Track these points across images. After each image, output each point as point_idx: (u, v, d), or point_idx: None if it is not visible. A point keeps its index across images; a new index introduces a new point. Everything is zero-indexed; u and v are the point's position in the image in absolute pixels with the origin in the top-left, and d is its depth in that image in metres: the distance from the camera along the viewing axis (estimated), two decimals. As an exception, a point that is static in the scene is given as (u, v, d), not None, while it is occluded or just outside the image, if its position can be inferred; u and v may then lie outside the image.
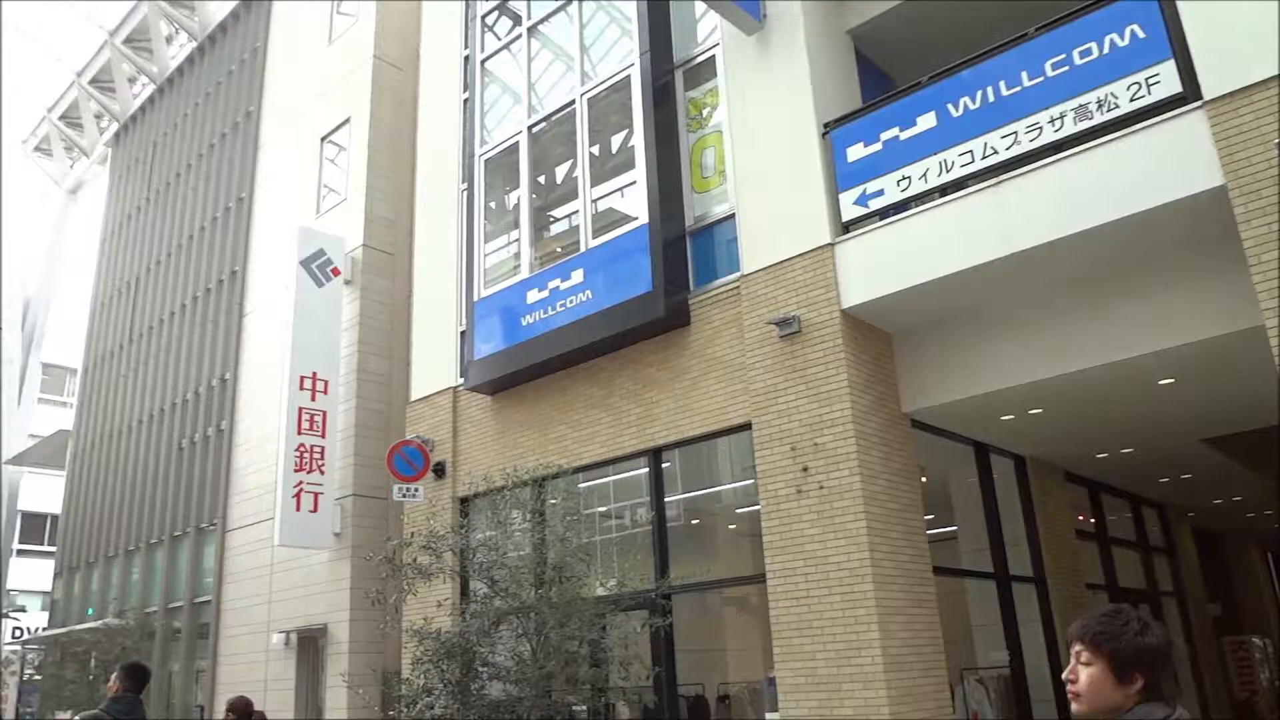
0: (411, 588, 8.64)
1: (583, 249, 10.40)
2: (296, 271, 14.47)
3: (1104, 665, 2.26)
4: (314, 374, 14.05)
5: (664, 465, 9.84)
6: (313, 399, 13.96)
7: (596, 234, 10.38)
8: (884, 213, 8.21)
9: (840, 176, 8.54)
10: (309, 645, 14.19)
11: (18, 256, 29.45)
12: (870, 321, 8.55)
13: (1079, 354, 7.85)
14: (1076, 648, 2.33)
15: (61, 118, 28.82)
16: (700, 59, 10.31)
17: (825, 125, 8.73)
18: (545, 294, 10.58)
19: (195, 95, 22.54)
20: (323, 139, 17.01)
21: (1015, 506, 10.67)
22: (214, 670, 16.11)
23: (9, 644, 25.06)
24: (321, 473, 13.78)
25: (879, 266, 8.10)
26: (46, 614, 23.93)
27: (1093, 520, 13.18)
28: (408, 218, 14.31)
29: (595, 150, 10.95)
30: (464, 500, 11.37)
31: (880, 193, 8.23)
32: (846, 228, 8.44)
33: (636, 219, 9.94)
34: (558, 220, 11.75)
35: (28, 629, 24.79)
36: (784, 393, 8.44)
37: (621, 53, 10.77)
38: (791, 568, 8.04)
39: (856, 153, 8.44)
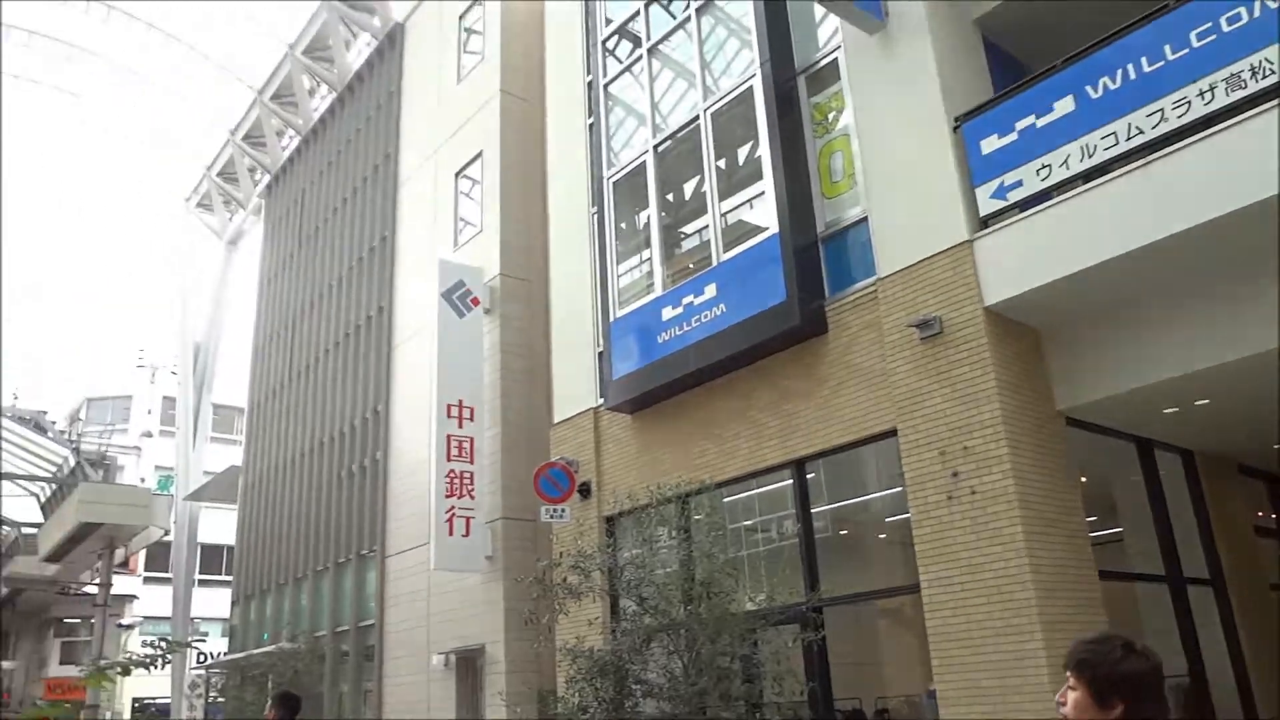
0: (563, 607, 8.77)
1: (714, 263, 10.41)
2: (438, 303, 14.99)
3: (1085, 690, 2.39)
4: (460, 401, 14.50)
5: (808, 476, 9.70)
6: (460, 426, 14.40)
7: (727, 247, 10.37)
8: (1024, 204, 7.91)
9: (975, 170, 8.27)
10: (467, 666, 14.57)
11: (188, 306, 31.50)
12: (1016, 318, 8.23)
13: (1247, 339, 7.33)
14: (1067, 673, 2.46)
15: (219, 174, 30.77)
16: (822, 63, 10.19)
17: (956, 119, 8.49)
18: (679, 310, 10.62)
19: (338, 143, 23.71)
20: (457, 174, 17.61)
21: (1185, 504, 10.02)
22: (380, 691, 16.73)
23: (195, 669, 26.68)
24: (472, 497, 14.18)
25: (1022, 260, 7.80)
26: (226, 639, 25.38)
27: (1274, 516, 12.28)
28: (541, 244, 14.63)
29: (722, 164, 10.96)
30: (610, 519, 11.49)
31: (1019, 184, 7.93)
32: (985, 223, 8.16)
33: (767, 229, 9.88)
34: (688, 236, 11.80)
35: (211, 654, 26.30)
36: (929, 397, 8.21)
37: (742, 64, 10.76)
38: (947, 576, 7.79)
39: (991, 144, 8.17)
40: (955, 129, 8.47)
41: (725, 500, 10.33)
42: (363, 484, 18.65)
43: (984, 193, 8.18)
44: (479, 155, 16.94)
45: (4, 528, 34.28)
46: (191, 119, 30.20)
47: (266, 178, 28.40)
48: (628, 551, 8.84)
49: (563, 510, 11.80)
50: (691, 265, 11.19)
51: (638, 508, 9.30)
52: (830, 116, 10.08)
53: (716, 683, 7.91)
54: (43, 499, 32.48)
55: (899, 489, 8.56)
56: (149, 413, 43.29)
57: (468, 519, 14.09)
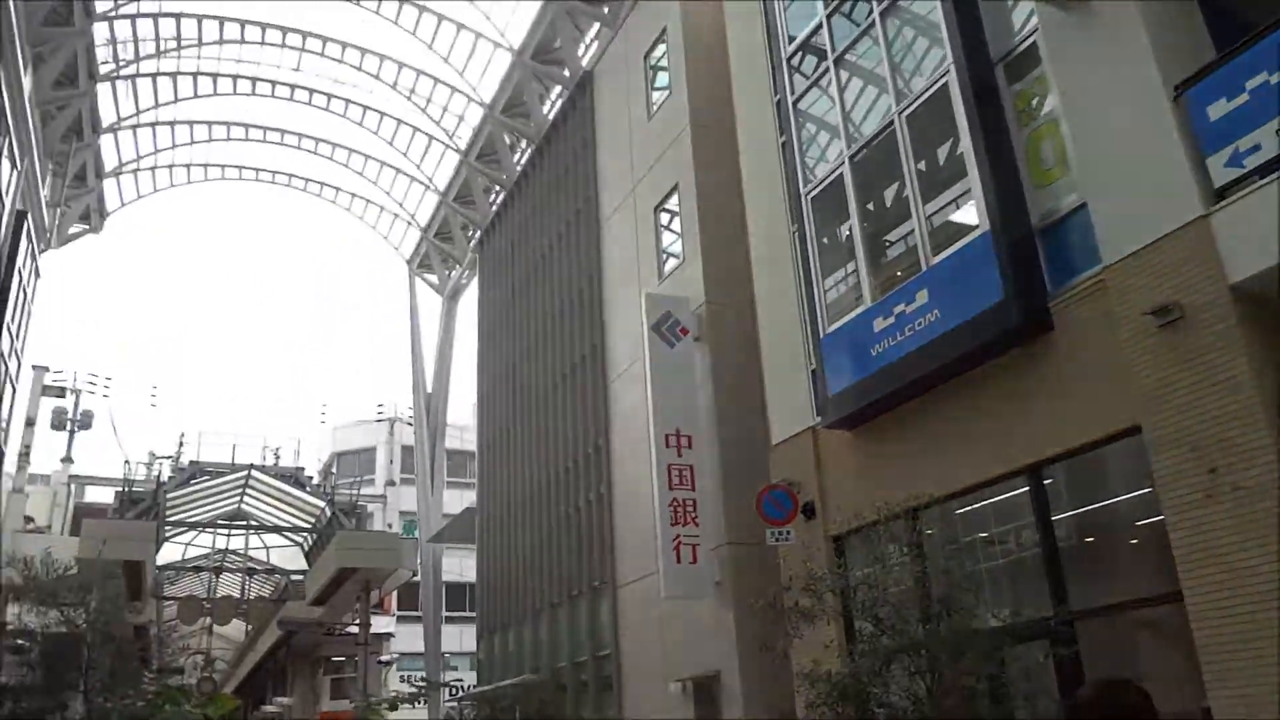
0: (796, 631, 8.67)
1: (924, 268, 10.09)
2: (648, 336, 15.30)
3: None
4: (677, 430, 14.70)
5: (1045, 482, 9.16)
6: (679, 454, 14.58)
7: (936, 250, 10.04)
8: (1264, 169, 7.22)
9: (1204, 139, 7.63)
10: (705, 692, 14.62)
11: (418, 361, 33.60)
12: (1269, 294, 7.49)
13: None
14: None
15: (436, 235, 32.79)
16: (1020, 49, 9.74)
17: (1176, 87, 7.87)
18: (892, 320, 10.35)
19: (540, 192, 24.77)
20: (656, 208, 17.99)
21: None
22: (620, 717, 17.05)
23: (448, 702, 28.15)
24: (696, 524, 14.30)
25: (1269, 230, 7.10)
26: (474, 673, 26.64)
27: None
28: (745, 268, 14.67)
29: (922, 166, 10.64)
30: (836, 539, 11.27)
31: (1256, 148, 7.25)
32: (1221, 194, 7.50)
33: (977, 227, 9.50)
34: (893, 244, 11.51)
35: (462, 687, 27.65)
36: (1174, 388, 7.58)
37: (933, 62, 10.44)
38: (1214, 582, 7.13)
39: (1219, 109, 7.52)
40: (1176, 98, 7.86)
41: (956, 513, 9.92)
42: (590, 517, 19.20)
43: (1216, 162, 7.53)
44: (675, 187, 17.24)
45: (276, 575, 37.54)
46: (409, 188, 32.39)
47: (478, 233, 30.00)
48: (859, 571, 8.63)
49: (788, 532, 11.69)
50: (900, 273, 10.90)
51: (865, 525, 9.08)
52: (1034, 103, 9.60)
53: (963, 704, 7.57)
54: (306, 548, 35.35)
55: (1147, 490, 7.95)
56: (390, 463, 46.36)
57: (694, 546, 14.21)
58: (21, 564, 10.81)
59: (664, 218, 18.02)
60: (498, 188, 28.73)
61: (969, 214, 9.79)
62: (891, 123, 10.82)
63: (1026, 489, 9.22)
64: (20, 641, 10.71)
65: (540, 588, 21.39)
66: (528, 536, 22.54)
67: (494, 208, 28.81)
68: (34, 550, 12.01)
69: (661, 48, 18.74)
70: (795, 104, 12.83)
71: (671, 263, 17.38)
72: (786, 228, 13.03)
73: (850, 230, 11.55)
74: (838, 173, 11.70)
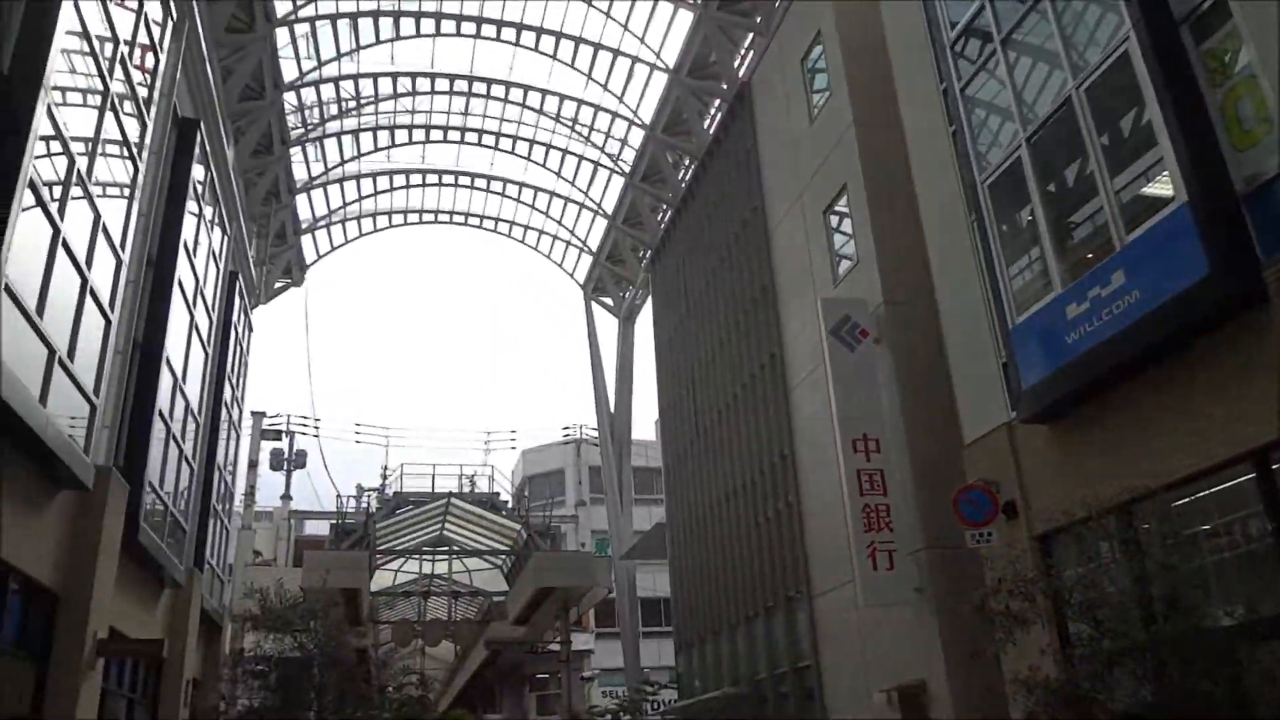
0: (1009, 636, 8.32)
1: (1117, 248, 9.54)
2: (827, 341, 15.10)
3: None
4: (863, 435, 14.42)
5: (1275, 467, 8.45)
6: (867, 459, 14.30)
7: (1129, 228, 9.46)
8: None
9: None
10: (911, 701, 14.20)
11: (600, 383, 34.34)
12: None
13: None
14: None
15: (608, 259, 33.51)
16: (1206, 5, 9.09)
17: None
18: (1086, 306, 9.82)
19: (707, 206, 24.92)
20: (825, 212, 17.77)
21: None
22: (826, 731, 16.79)
23: (650, 716, 28.46)
24: (890, 530, 13.96)
25: None
26: (675, 687, 26.83)
27: None
28: (922, 264, 14.28)
29: (1105, 140, 10.08)
30: (1042, 538, 10.75)
31: None
32: None
33: (1174, 199, 8.91)
34: (1079, 225, 10.93)
35: (662, 702, 27.90)
36: None
37: (1109, 30, 9.87)
38: None
39: None
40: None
41: (1173, 505, 9.28)
42: (780, 528, 19.06)
43: None
44: (843, 188, 16.99)
45: (479, 597, 39.07)
46: (579, 215, 33.28)
47: (648, 254, 30.45)
48: (1072, 571, 8.21)
49: (989, 534, 11.26)
50: (1090, 255, 10.33)
51: (1074, 523, 8.63)
52: (1226, 60, 8.93)
53: (1200, 712, 7.05)
54: (505, 570, 36.65)
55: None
56: (579, 483, 47.51)
57: (890, 552, 13.87)
58: (258, 595, 11.73)
59: (834, 220, 17.77)
60: (664, 207, 29.11)
61: (1163, 186, 9.19)
62: (1069, 99, 10.31)
63: (1252, 475, 8.53)
64: (260, 667, 11.59)
65: (735, 600, 21.37)
66: (718, 549, 22.59)
67: (662, 226, 29.19)
68: (266, 582, 13.00)
69: (817, 50, 18.55)
70: (963, 91, 12.42)
71: (845, 265, 17.11)
72: (964, 218, 12.61)
73: (1033, 214, 11.05)
74: (1015, 156, 11.23)
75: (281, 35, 23.28)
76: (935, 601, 13.32)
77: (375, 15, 25.12)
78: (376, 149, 30.60)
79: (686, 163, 27.53)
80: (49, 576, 10.37)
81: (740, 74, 23.48)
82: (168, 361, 14.23)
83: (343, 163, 30.33)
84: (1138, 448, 9.54)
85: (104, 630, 11.61)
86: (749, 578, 20.58)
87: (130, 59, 11.75)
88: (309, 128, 27.74)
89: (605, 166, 30.32)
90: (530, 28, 25.75)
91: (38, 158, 8.58)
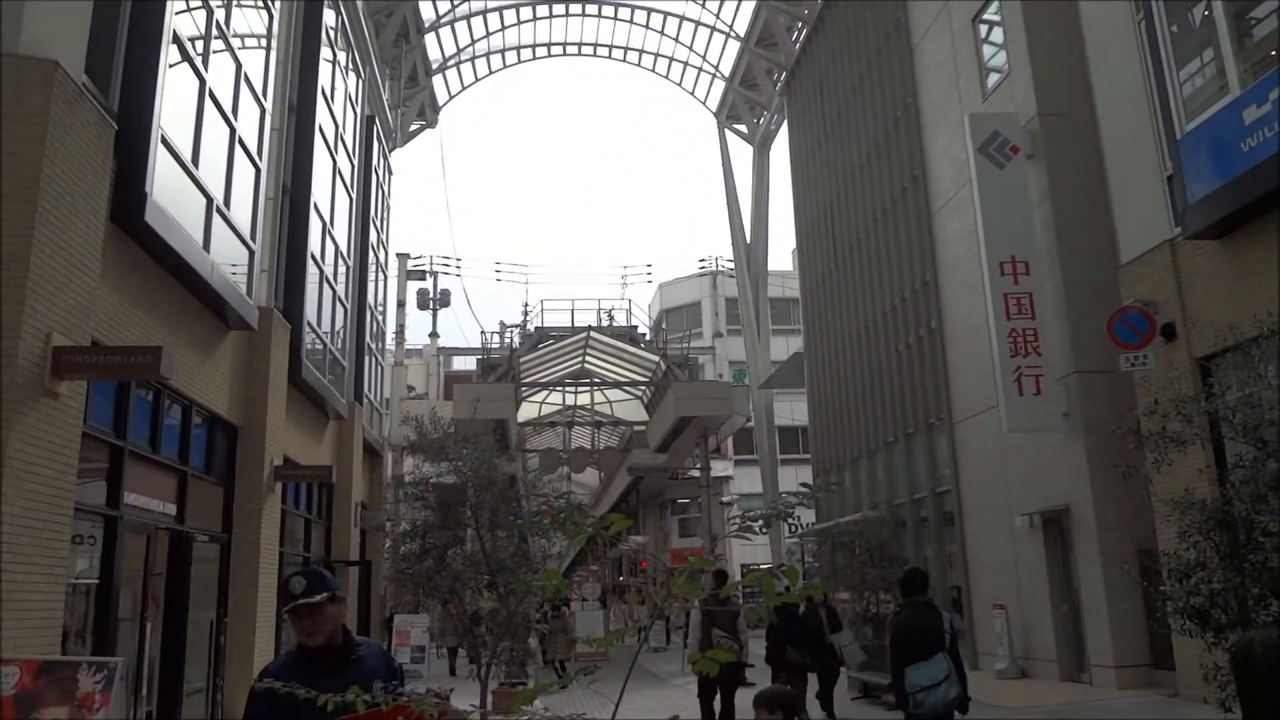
0: (1164, 458, 8.06)
1: (1308, 41, 8.59)
2: (975, 159, 14.37)
3: None
4: (1013, 257, 13.85)
5: None
6: (1015, 282, 13.78)
7: (1324, 17, 8.48)
8: None
9: None
10: (1053, 526, 14.14)
11: (732, 213, 33.89)
12: None
13: None
14: None
15: (741, 84, 32.38)
16: None
17: None
18: (1267, 108, 8.97)
19: (845, 21, 23.58)
20: (974, 20, 16.58)
21: None
22: (964, 554, 16.95)
23: (789, 538, 29.32)
24: (1039, 354, 13.57)
25: None
26: (813, 510, 27.44)
27: None
28: (1081, 73, 13.25)
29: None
30: (1204, 360, 10.25)
31: None
32: None
33: (1381, -19, 7.90)
34: (1262, 20, 9.86)
35: (802, 524, 28.63)
36: None
37: None
38: None
39: None
40: None
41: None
42: (921, 354, 18.80)
43: None
44: (993, -8, 15.75)
45: (621, 426, 40.40)
46: (710, 38, 32.07)
47: (784, 75, 29.26)
48: (1236, 391, 7.82)
49: (1145, 356, 10.79)
50: (1274, 52, 9.35)
51: (1241, 343, 8.15)
52: None
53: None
54: (645, 400, 37.59)
55: None
56: (716, 315, 47.72)
57: (1036, 377, 13.52)
58: (414, 423, 12.44)
59: (983, 30, 16.56)
60: (800, 24, 27.71)
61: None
62: None
63: None
64: (421, 489, 12.42)
65: (873, 427, 21.41)
66: (857, 377, 22.51)
67: (797, 46, 27.87)
68: (420, 413, 13.73)
69: None
70: None
71: (994, 78, 16.04)
72: (1130, 19, 11.54)
73: (1209, 9, 10.01)
74: (1193, -57, 10.11)
75: None
76: (1084, 426, 13.00)
77: None
78: (501, -20, 29.96)
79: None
80: (228, 410, 11.21)
81: None
82: (315, 206, 14.72)
83: (468, -1, 29.89)
84: (1319, 262, 8.85)
85: (279, 458, 12.57)
86: (889, 404, 20.52)
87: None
88: (433, -37, 27.29)
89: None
90: None
91: (178, 13, 8.73)
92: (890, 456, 20.60)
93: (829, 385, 24.85)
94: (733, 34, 30.80)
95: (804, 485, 2.39)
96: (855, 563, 19.10)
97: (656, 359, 35.11)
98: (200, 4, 9.64)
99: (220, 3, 10.25)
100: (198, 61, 9.40)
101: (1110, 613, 12.54)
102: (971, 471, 16.72)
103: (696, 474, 32.97)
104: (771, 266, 34.44)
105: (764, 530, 2.32)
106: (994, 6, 15.87)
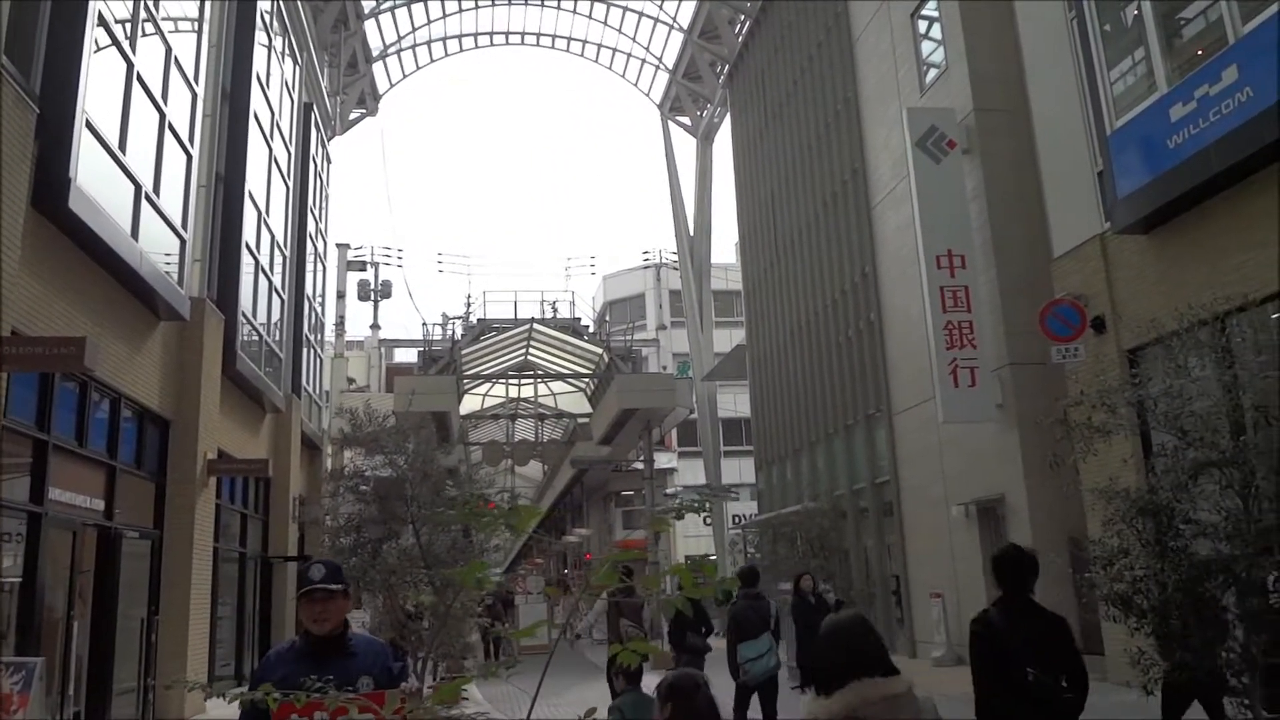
0: (1089, 448, 8.25)
1: (1231, 40, 8.83)
2: (912, 153, 14.55)
3: None
4: (949, 251, 14.07)
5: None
6: (951, 275, 14.00)
7: (1247, 18, 8.73)
8: None
9: None
10: (989, 515, 14.42)
11: (677, 205, 33.93)
12: None
13: None
14: None
15: (684, 76, 32.41)
16: None
17: None
18: (1193, 106, 9.21)
19: (787, 15, 23.72)
20: (912, 15, 16.79)
21: None
22: (902, 543, 17.22)
23: (731, 529, 29.54)
24: (974, 347, 13.80)
25: None
26: (755, 502, 27.67)
27: None
28: (1015, 70, 13.49)
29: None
30: (1132, 352, 10.52)
31: None
32: None
33: (1298, -16, 8.14)
34: (1189, 21, 10.13)
35: (743, 515, 28.87)
36: None
37: None
38: None
39: None
40: None
41: (1275, 317, 8.92)
42: (861, 346, 19.02)
43: None
44: (932, -11, 15.96)
45: (565, 419, 40.31)
46: (654, 30, 32.03)
47: (727, 68, 29.35)
48: (1159, 382, 8.02)
49: (1076, 348, 11.04)
50: (1200, 52, 9.61)
51: (1165, 336, 8.38)
52: None
53: (1287, 517, 6.97)
54: (589, 393, 37.57)
55: None
56: (660, 307, 47.79)
57: (972, 369, 13.76)
58: (349, 415, 12.28)
59: (921, 26, 16.78)
60: (742, 17, 27.81)
61: (1289, -31, 8.38)
62: (1188, -127, 9.35)
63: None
64: (355, 482, 12.27)
65: (815, 418, 21.63)
66: (799, 369, 22.71)
67: (739, 39, 27.98)
68: (356, 404, 13.57)
69: None
70: None
71: (932, 74, 16.27)
72: (1063, 17, 11.77)
73: (1139, 9, 10.25)
74: (1121, -56, 10.33)
75: None
76: (1017, 417, 13.27)
77: None
78: (443, -33, 29.60)
79: (764, -32, 26.05)
80: (159, 402, 10.97)
81: None
82: (250, 195, 14.44)
83: (409, -16, 29.48)
84: (1240, 256, 9.13)
85: (213, 451, 12.33)
86: (829, 396, 20.74)
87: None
88: (373, -53, 26.88)
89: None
90: None
91: (104, -9, 8.49)
92: (831, 448, 20.83)
93: (771, 378, 25.05)
94: (675, 25, 30.82)
95: (706, 487, 2.40)
96: (796, 553, 19.28)
97: (600, 351, 35.08)
98: (127, -15, 9.39)
99: (149, -15, 9.99)
100: (125, 44, 9.16)
101: (1043, 601, 12.79)
102: (910, 462, 16.98)
103: (640, 466, 33.02)
104: (715, 259, 34.57)
105: (678, 520, 2.35)
106: (931, 3, 16.08)
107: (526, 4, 32.34)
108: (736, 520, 29.28)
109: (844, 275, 19.85)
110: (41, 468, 8.09)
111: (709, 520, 27.40)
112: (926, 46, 16.65)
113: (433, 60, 33.60)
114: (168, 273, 10.44)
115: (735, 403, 34.63)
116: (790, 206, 23.37)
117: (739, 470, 35.05)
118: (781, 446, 24.08)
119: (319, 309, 22.52)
